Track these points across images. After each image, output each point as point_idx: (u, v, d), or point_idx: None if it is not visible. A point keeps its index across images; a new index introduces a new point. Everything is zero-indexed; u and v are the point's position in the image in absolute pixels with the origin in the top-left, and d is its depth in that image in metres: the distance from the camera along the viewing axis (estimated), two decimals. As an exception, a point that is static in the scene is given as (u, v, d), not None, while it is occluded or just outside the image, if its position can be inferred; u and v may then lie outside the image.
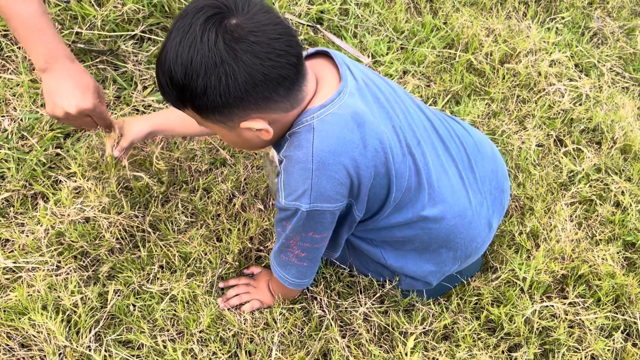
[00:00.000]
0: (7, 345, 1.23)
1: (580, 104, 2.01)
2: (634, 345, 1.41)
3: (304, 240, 1.15)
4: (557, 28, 2.32)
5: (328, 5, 2.10)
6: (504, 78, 2.01)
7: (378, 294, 1.41)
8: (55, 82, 1.21)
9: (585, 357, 1.36)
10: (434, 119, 1.28)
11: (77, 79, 1.22)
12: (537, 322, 1.38)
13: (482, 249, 1.38)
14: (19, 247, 1.37)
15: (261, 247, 1.49)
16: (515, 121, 1.91)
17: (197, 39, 0.93)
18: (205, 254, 1.42)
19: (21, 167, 1.50)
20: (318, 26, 2.07)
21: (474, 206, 1.28)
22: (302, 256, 1.19)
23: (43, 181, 1.48)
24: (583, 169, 1.80)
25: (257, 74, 0.95)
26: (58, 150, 1.55)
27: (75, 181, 1.46)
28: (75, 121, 1.26)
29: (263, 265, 1.46)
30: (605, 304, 1.46)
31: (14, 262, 1.34)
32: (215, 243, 1.45)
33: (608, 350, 1.37)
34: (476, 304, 1.43)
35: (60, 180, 1.49)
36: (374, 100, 1.15)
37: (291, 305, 1.37)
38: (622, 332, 1.43)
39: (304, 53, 1.18)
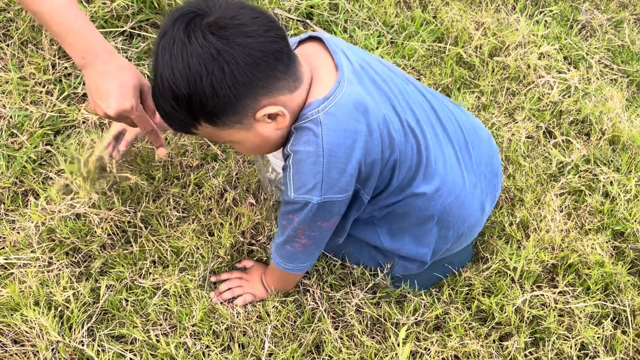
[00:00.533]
0: (0, 341, 1.23)
1: (569, 96, 2.03)
2: (624, 332, 1.42)
3: (312, 229, 1.15)
4: (545, 21, 2.34)
5: (318, 0, 2.10)
6: (493, 71, 2.02)
7: (370, 285, 1.42)
8: (94, 80, 1.13)
9: (575, 345, 1.37)
10: (432, 99, 1.29)
11: (117, 77, 1.12)
12: (528, 311, 1.40)
13: (474, 231, 1.39)
14: (10, 243, 1.37)
15: (253, 241, 1.49)
16: (504, 113, 1.92)
17: (186, 44, 0.93)
18: (197, 249, 1.42)
19: (11, 165, 1.49)
20: (308, 21, 2.07)
21: (467, 187, 1.29)
22: (310, 244, 1.20)
23: (33, 178, 1.48)
24: (572, 160, 1.82)
25: (255, 51, 0.95)
26: (48, 147, 1.55)
27: (67, 178, 1.46)
28: (116, 121, 1.19)
29: (255, 259, 1.47)
30: (595, 293, 1.47)
31: (6, 259, 1.34)
32: (207, 237, 1.45)
33: (598, 337, 1.39)
34: (467, 294, 1.45)
35: (51, 177, 1.49)
36: (372, 83, 1.15)
37: (284, 298, 1.38)
38: (611, 320, 1.44)
39: (298, 37, 1.19)
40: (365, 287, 1.43)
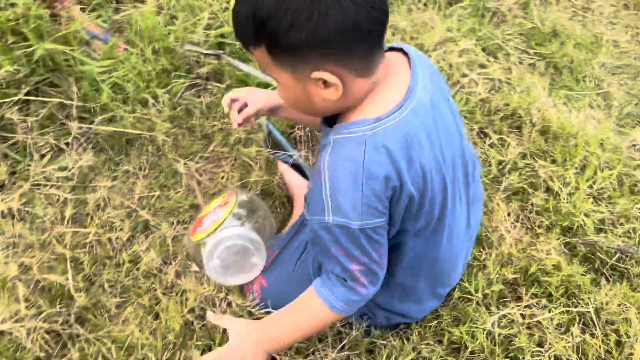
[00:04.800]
0: None
1: (495, 91, 2.02)
2: (592, 335, 1.43)
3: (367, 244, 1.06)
4: (458, 14, 2.32)
5: (227, 27, 1.98)
6: (418, 77, 1.98)
7: (338, 340, 1.34)
8: None
9: (550, 359, 1.37)
10: (469, 161, 1.25)
11: None
12: (499, 333, 1.37)
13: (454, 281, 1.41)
14: None
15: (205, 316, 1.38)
16: (437, 121, 1.89)
17: None
18: (146, 339, 1.29)
19: None
20: (220, 52, 1.95)
21: (465, 250, 1.34)
22: (372, 257, 1.09)
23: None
24: (510, 159, 1.81)
25: (349, 19, 0.90)
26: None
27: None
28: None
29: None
30: (558, 298, 1.47)
31: None
32: (152, 323, 1.32)
33: (569, 347, 1.39)
34: (436, 327, 1.40)
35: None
36: (433, 124, 1.07)
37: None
38: (578, 324, 1.45)
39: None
40: (332, 342, 1.35)
